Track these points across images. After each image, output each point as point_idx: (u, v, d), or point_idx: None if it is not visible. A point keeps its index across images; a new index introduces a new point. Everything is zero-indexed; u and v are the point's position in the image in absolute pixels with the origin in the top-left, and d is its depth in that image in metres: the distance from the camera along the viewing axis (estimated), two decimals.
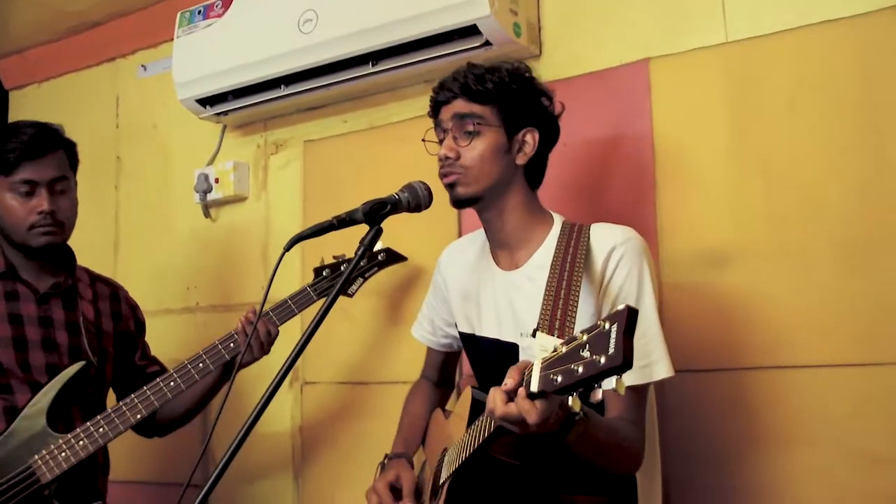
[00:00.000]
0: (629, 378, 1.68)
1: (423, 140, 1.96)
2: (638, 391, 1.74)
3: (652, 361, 1.73)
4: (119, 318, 2.46)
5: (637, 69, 2.32)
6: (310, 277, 2.44)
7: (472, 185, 1.86)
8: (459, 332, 2.04)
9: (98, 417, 2.20)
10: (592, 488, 1.74)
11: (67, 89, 3.68)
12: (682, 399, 2.19)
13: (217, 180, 3.05)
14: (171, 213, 3.25)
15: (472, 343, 2.00)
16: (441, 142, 1.89)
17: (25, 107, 3.82)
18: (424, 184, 1.83)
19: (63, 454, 2.15)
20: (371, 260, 2.45)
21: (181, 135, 3.24)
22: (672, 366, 1.75)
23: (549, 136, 1.94)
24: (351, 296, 2.44)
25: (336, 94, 2.78)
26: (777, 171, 2.11)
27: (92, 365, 2.28)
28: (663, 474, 1.93)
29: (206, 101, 2.92)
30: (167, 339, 3.01)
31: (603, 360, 1.20)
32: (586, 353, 1.24)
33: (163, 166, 3.31)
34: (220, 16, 2.84)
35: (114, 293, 2.50)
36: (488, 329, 1.94)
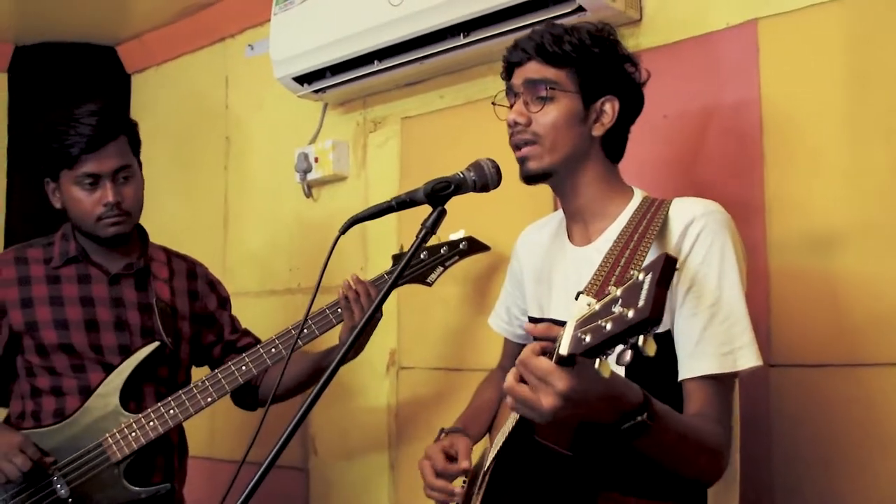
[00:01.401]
0: (708, 365, 1.53)
1: (494, 104, 1.82)
2: (722, 382, 1.55)
3: (736, 348, 1.54)
4: (196, 297, 2.45)
5: (744, 31, 2.10)
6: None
7: (546, 158, 1.71)
8: (530, 318, 1.90)
9: (169, 398, 2.20)
10: (650, 490, 1.56)
11: (182, 71, 3.73)
12: (790, 397, 1.98)
13: (317, 160, 3.00)
14: (275, 193, 3.24)
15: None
16: (511, 106, 1.75)
17: (146, 89, 3.90)
18: (493, 161, 1.70)
19: (133, 434, 2.16)
20: (452, 248, 2.34)
21: (285, 114, 3.21)
22: (760, 355, 1.56)
23: (632, 106, 1.77)
24: (430, 285, 2.33)
25: (431, 69, 2.67)
26: None
27: (165, 346, 2.27)
28: (764, 481, 1.74)
29: (302, 79, 2.87)
30: (270, 321, 2.99)
31: (631, 313, 1.05)
32: (617, 308, 1.09)
33: (268, 146, 3.30)
34: None
35: (191, 270, 2.48)
36: (557, 310, 1.80)
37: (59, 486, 2.13)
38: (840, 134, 1.95)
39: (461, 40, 2.45)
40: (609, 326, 1.09)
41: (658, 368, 1.59)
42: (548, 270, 1.85)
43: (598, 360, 1.13)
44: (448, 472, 1.76)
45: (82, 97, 3.79)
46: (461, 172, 1.67)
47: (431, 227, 1.63)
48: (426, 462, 1.80)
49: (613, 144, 1.77)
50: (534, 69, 1.72)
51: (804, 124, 2.00)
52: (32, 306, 2.26)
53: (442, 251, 2.35)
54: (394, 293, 2.42)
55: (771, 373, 2.01)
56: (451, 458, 1.79)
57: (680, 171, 2.20)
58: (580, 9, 2.22)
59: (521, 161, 1.74)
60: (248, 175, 3.39)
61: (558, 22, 2.24)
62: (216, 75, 3.53)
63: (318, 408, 3.18)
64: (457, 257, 2.37)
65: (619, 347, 1.10)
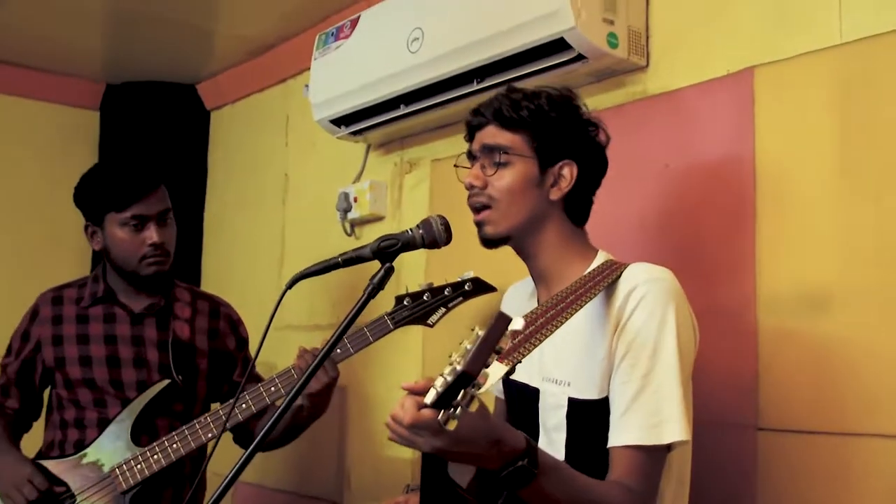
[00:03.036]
0: (632, 436, 1.50)
1: (456, 166, 1.83)
2: (647, 453, 1.51)
3: (663, 420, 1.50)
4: (216, 335, 2.54)
5: (741, 79, 2.03)
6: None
7: (502, 223, 1.70)
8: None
9: (173, 433, 2.29)
10: None
11: (251, 109, 3.88)
12: (777, 462, 1.89)
13: (356, 199, 3.07)
14: (323, 230, 3.32)
15: (506, 386, 1.86)
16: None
17: (222, 126, 4.08)
18: (442, 218, 1.71)
19: (139, 466, 2.27)
20: (455, 289, 2.33)
21: (334, 154, 3.29)
22: (688, 429, 1.51)
23: (593, 169, 1.74)
24: (431, 326, 2.34)
25: (455, 113, 2.68)
26: (893, 199, 1.76)
27: (176, 383, 2.37)
28: None
29: (339, 121, 2.94)
30: None
31: (458, 366, 1.10)
32: (456, 362, 1.13)
33: (318, 184, 3.39)
34: (347, 37, 2.85)
35: (213, 310, 2.58)
36: (520, 372, 1.78)
37: None
38: (832, 190, 1.85)
39: (475, 86, 2.46)
40: (448, 379, 1.11)
41: (597, 434, 1.57)
42: None
43: (441, 412, 1.13)
44: None
45: (166, 133, 4.05)
46: (410, 230, 1.69)
47: (378, 284, 1.66)
48: None
49: (576, 208, 1.74)
50: (490, 134, 1.72)
51: (797, 178, 1.92)
52: (62, 344, 2.43)
53: (445, 292, 2.35)
54: (419, 329, 2.47)
55: (759, 437, 1.92)
56: None
57: (679, 223, 2.14)
58: (580, 56, 2.20)
59: (478, 225, 1.74)
60: (302, 212, 3.49)
61: (566, 71, 2.25)
62: (278, 114, 3.66)
63: (353, 444, 3.25)
64: (461, 298, 2.36)
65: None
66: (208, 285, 3.95)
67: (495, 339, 1.08)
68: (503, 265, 2.35)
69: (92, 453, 2.31)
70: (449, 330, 2.35)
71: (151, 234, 2.38)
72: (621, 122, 2.26)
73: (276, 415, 1.59)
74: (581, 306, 1.54)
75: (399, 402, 1.27)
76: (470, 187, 1.72)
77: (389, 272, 1.66)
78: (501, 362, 1.26)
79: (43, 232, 3.98)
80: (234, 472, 1.57)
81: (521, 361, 1.35)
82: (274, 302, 1.72)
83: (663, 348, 1.52)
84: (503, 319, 1.10)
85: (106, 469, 2.29)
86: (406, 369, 2.89)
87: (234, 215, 3.93)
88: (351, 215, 3.09)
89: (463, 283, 2.32)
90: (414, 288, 2.35)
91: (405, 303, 2.32)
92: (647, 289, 1.56)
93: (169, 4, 3.31)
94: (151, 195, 2.40)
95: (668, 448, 1.54)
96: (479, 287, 2.35)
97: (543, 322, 1.48)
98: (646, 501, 1.51)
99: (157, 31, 3.57)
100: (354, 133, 2.96)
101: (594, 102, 2.33)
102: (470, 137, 1.80)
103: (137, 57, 3.89)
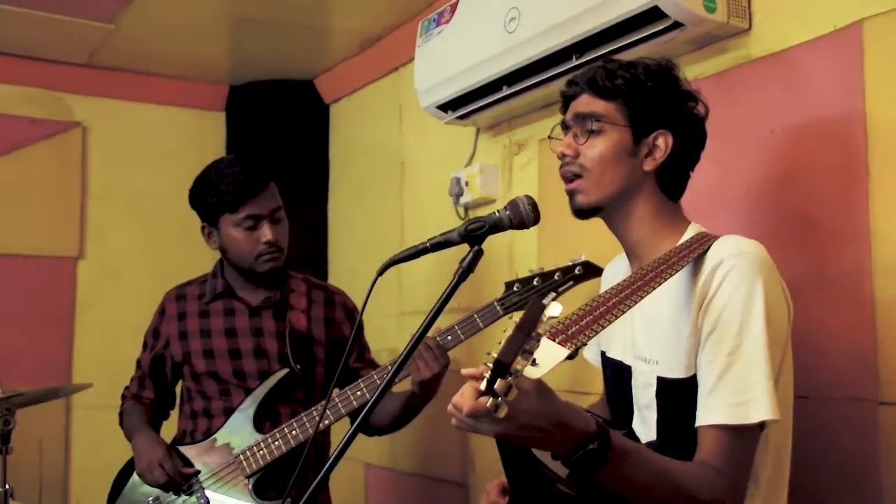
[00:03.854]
0: (718, 415, 1.45)
1: (550, 137, 1.81)
2: (735, 433, 1.45)
3: (749, 399, 1.44)
4: (332, 324, 2.60)
5: (848, 34, 1.92)
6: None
7: (593, 193, 1.68)
8: (601, 352, 1.87)
9: (293, 420, 2.37)
10: None
11: (366, 100, 3.94)
12: None
13: (467, 183, 3.07)
14: (439, 216, 3.34)
15: (604, 364, 1.84)
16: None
17: (340, 118, 4.17)
18: (529, 198, 1.69)
19: (261, 452, 2.36)
20: (565, 274, 2.30)
21: (446, 139, 3.31)
22: (776, 409, 1.44)
23: (690, 142, 1.69)
24: None
25: (557, 90, 2.65)
26: None
27: (294, 371, 2.45)
28: None
29: (445, 106, 2.95)
30: None
31: (495, 354, 1.09)
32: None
33: (433, 170, 3.41)
34: (447, 22, 2.85)
35: (328, 299, 2.64)
36: (616, 349, 1.77)
37: (199, 494, 2.39)
38: None
39: (574, 62, 2.42)
40: (488, 365, 1.11)
41: (686, 413, 1.53)
42: None
43: (490, 400, 1.13)
44: None
45: (288, 130, 4.17)
46: (497, 211, 1.68)
47: (468, 268, 1.66)
48: (484, 496, 1.82)
49: (670, 180, 1.70)
50: (584, 102, 1.70)
51: None
52: (187, 338, 2.55)
53: (555, 277, 2.32)
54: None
55: (881, 411, 1.82)
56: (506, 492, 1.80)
57: (787, 189, 2.04)
58: (676, 24, 2.13)
59: (570, 194, 1.72)
60: (418, 199, 3.53)
61: (664, 40, 2.19)
62: (391, 103, 3.70)
63: None
64: (571, 283, 2.33)
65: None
66: (335, 276, 4.05)
67: (529, 327, 1.07)
68: (617, 246, 2.31)
69: (220, 440, 2.43)
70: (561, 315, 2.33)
71: (265, 233, 2.45)
72: (724, 89, 2.18)
73: (371, 400, 1.62)
74: (663, 281, 1.50)
75: (460, 391, 1.27)
76: (562, 156, 1.70)
77: (478, 255, 1.66)
78: (564, 345, 1.24)
79: (178, 233, 4.16)
80: (337, 451, 1.61)
81: (586, 344, 1.32)
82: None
83: (750, 325, 1.47)
84: (537, 307, 1.08)
85: (236, 451, 2.40)
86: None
87: (355, 206, 4.01)
88: (463, 199, 3.09)
89: (573, 266, 2.29)
90: (524, 273, 2.34)
91: (515, 288, 2.31)
92: (734, 263, 1.50)
93: (284, 6, 3.40)
94: (263, 193, 2.47)
95: (760, 428, 1.48)
96: (590, 271, 2.31)
97: (620, 300, 1.44)
98: (733, 483, 1.45)
99: (275, 33, 3.68)
100: (461, 117, 2.96)
101: (695, 70, 2.26)
102: (564, 108, 1.78)
103: (257, 58, 4.03)
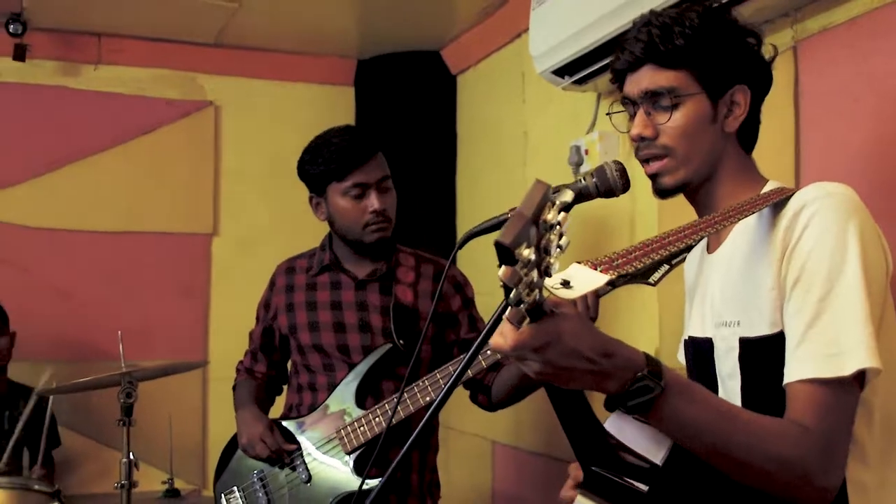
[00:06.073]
0: (808, 368, 1.30)
1: (608, 114, 1.65)
2: (829, 388, 1.28)
3: (843, 350, 1.27)
4: (441, 298, 2.52)
5: None
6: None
7: (681, 171, 1.53)
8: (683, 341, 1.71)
9: (393, 396, 2.33)
10: None
11: (491, 70, 3.83)
12: None
13: (587, 152, 2.92)
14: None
15: (685, 350, 1.68)
16: (632, 116, 1.56)
17: (466, 89, 4.08)
18: (618, 164, 1.56)
19: (361, 429, 2.33)
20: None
21: (568, 106, 3.16)
22: (877, 357, 1.26)
23: (762, 86, 1.53)
24: (653, 284, 2.14)
25: None
26: None
27: (397, 347, 2.39)
28: None
29: (560, 72, 2.80)
30: None
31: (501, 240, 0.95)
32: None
33: (555, 139, 3.27)
34: None
35: (437, 273, 2.57)
36: (695, 326, 1.62)
37: (301, 468, 2.39)
38: None
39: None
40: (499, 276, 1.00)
41: (773, 374, 1.36)
42: (693, 284, 1.67)
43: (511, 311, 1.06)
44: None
45: (416, 102, 4.12)
46: (583, 178, 1.56)
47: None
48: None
49: (748, 134, 1.55)
50: (648, 76, 1.52)
51: None
52: (294, 311, 2.54)
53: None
54: (653, 292, 2.31)
55: None
56: None
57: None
58: None
59: (653, 177, 1.56)
60: (540, 169, 3.39)
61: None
62: (514, 72, 3.57)
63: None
64: (685, 255, 2.17)
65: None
66: (462, 252, 3.97)
67: (531, 208, 0.93)
68: None
69: (322, 415, 2.42)
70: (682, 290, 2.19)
71: (373, 202, 2.41)
72: (851, 40, 1.95)
73: (455, 375, 1.51)
74: (731, 224, 1.38)
75: (497, 329, 1.15)
76: (640, 139, 1.53)
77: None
78: (606, 273, 1.11)
79: (309, 208, 4.18)
80: (424, 422, 1.51)
81: (630, 275, 1.18)
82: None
83: (843, 268, 1.29)
84: (539, 186, 0.95)
85: (334, 431, 2.38)
86: (642, 332, 2.73)
87: (481, 177, 3.92)
88: (583, 169, 2.94)
89: None
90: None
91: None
92: (820, 205, 1.33)
93: None
94: (370, 162, 2.43)
95: (860, 384, 1.30)
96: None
97: (678, 237, 1.31)
98: (823, 445, 1.26)
99: (400, 3, 3.62)
100: (578, 82, 2.81)
101: (818, 23, 2.04)
102: (619, 81, 1.59)
103: (384, 30, 3.99)
